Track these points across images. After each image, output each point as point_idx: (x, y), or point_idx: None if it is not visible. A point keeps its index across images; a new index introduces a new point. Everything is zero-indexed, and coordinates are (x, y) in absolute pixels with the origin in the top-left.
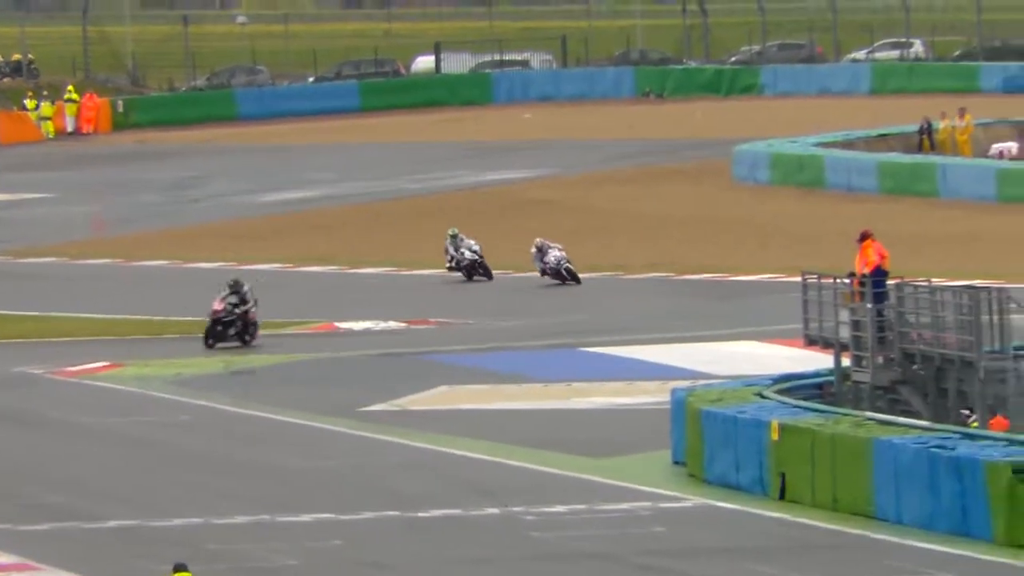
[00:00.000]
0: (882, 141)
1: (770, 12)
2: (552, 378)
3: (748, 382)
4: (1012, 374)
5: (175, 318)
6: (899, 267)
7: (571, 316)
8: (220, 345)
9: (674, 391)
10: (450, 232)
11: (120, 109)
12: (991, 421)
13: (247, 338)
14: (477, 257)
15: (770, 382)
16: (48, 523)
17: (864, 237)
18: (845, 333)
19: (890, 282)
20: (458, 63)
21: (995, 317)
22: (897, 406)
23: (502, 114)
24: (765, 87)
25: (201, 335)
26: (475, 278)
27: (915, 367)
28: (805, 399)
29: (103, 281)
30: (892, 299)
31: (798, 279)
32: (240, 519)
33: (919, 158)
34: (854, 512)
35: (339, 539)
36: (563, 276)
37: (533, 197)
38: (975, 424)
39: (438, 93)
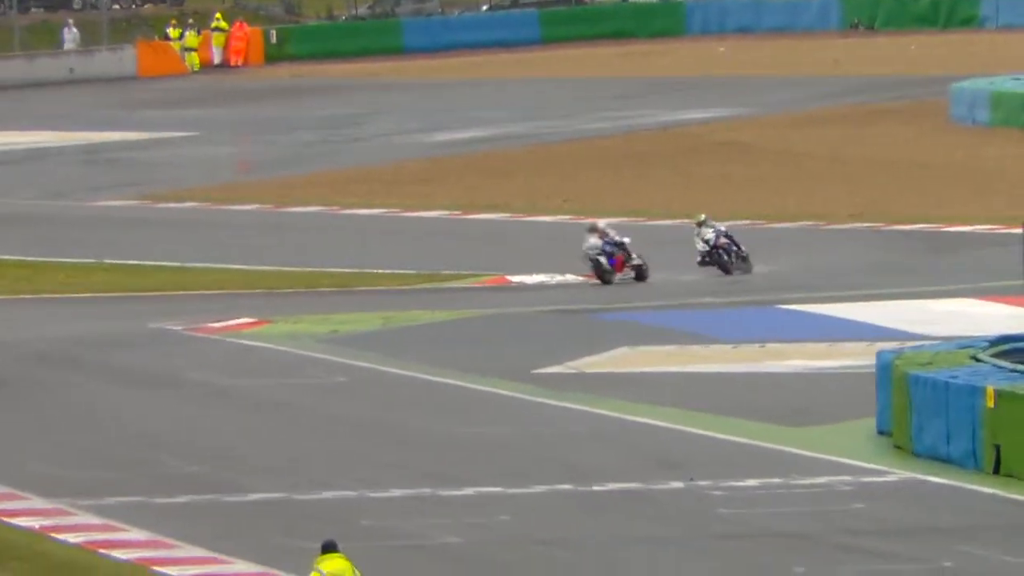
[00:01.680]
0: None
1: None
2: (744, 338)
3: (962, 344)
4: None
5: (330, 269)
6: None
7: (767, 270)
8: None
9: (880, 353)
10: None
11: (273, 40)
12: None
13: None
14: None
15: (987, 344)
16: (185, 496)
17: None
18: None
19: None
20: None
21: None
22: None
23: (695, 47)
24: (987, 19)
25: (357, 289)
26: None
27: None
28: None
29: (250, 229)
30: None
31: (1020, 230)
32: (397, 492)
33: None
34: None
35: (506, 515)
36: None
37: (726, 139)
38: None
39: (625, 23)
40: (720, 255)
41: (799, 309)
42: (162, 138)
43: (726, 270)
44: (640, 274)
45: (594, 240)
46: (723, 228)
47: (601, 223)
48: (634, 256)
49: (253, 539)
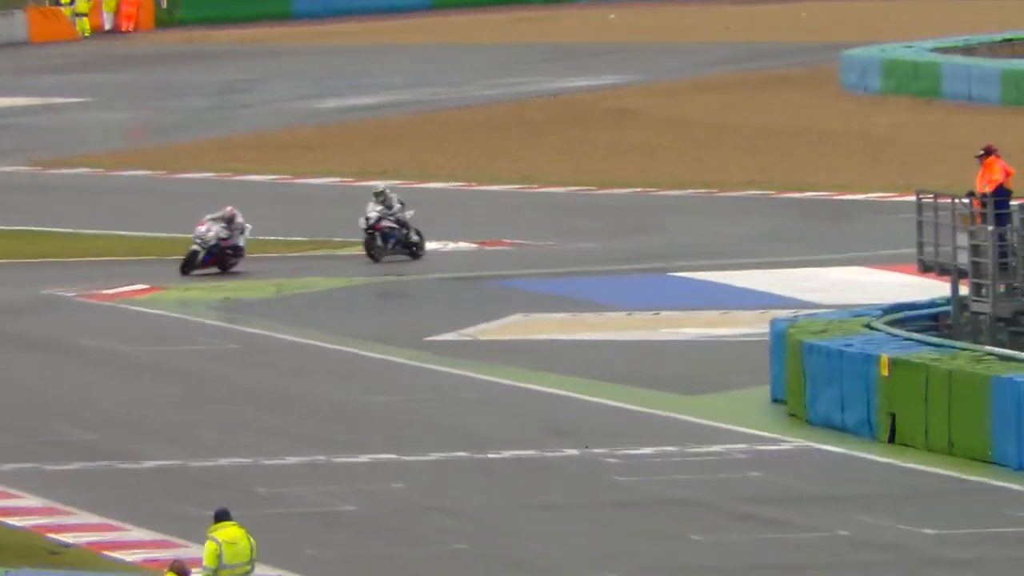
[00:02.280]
0: (1007, 46)
1: None
2: (638, 306)
3: (856, 312)
4: None
5: None
6: None
7: (660, 238)
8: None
9: (774, 321)
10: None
11: (163, 4)
12: None
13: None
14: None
15: (880, 312)
16: (79, 463)
17: (987, 153)
18: (963, 258)
19: (1014, 202)
20: None
21: None
22: (1020, 340)
23: (585, 14)
24: None
25: (251, 255)
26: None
27: None
28: (918, 331)
29: (142, 195)
30: (1016, 221)
31: (912, 198)
32: (292, 460)
33: None
34: (971, 457)
35: (401, 482)
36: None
37: (617, 106)
38: None
39: None
40: (373, 237)
41: (693, 277)
42: (54, 104)
43: (372, 255)
44: (223, 265)
45: (214, 229)
46: (397, 207)
47: (239, 218)
48: (231, 260)
49: (148, 506)
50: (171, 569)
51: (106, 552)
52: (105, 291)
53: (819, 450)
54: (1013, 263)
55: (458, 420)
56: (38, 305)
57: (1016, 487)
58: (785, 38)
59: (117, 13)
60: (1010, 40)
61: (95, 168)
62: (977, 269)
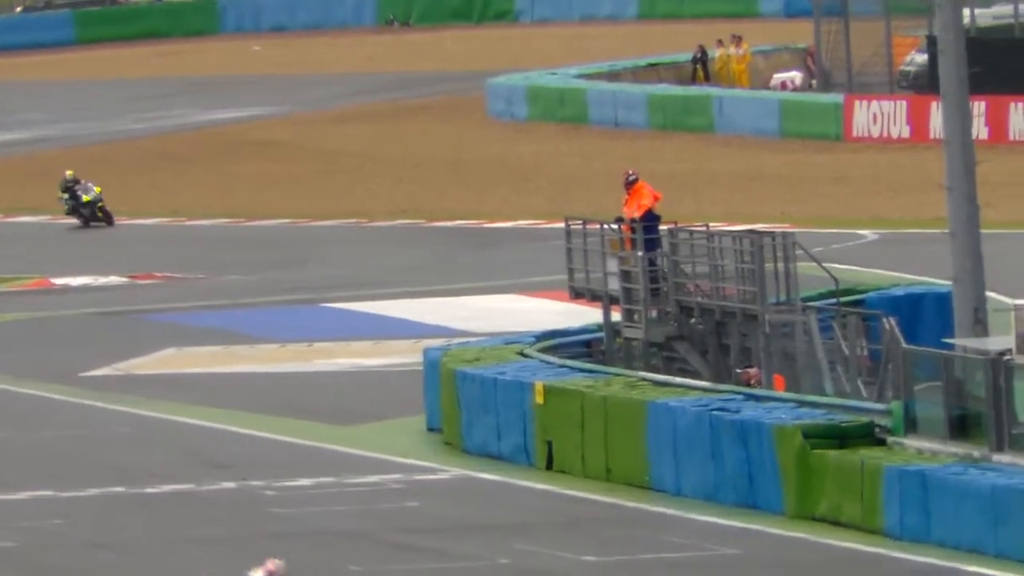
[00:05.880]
0: (652, 71)
1: None
2: (291, 337)
3: (509, 340)
4: (799, 327)
5: None
6: (673, 210)
7: (311, 270)
8: None
9: (427, 351)
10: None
11: None
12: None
13: None
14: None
15: (533, 340)
16: None
17: (635, 180)
18: (614, 284)
19: (663, 227)
20: None
21: (780, 264)
22: (674, 364)
23: (229, 46)
24: (521, 13)
25: None
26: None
27: (693, 321)
28: (572, 358)
29: None
30: (665, 246)
31: (561, 225)
32: None
33: (693, 90)
34: (629, 483)
35: (59, 518)
36: None
37: (264, 138)
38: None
39: (160, 23)
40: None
41: (345, 307)
42: None
43: None
44: None
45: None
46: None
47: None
48: None
49: None
50: None
51: None
52: None
53: (476, 479)
54: (664, 288)
55: (115, 455)
56: None
57: (674, 512)
58: (430, 67)
59: None
60: (654, 65)
61: None
62: (629, 295)
